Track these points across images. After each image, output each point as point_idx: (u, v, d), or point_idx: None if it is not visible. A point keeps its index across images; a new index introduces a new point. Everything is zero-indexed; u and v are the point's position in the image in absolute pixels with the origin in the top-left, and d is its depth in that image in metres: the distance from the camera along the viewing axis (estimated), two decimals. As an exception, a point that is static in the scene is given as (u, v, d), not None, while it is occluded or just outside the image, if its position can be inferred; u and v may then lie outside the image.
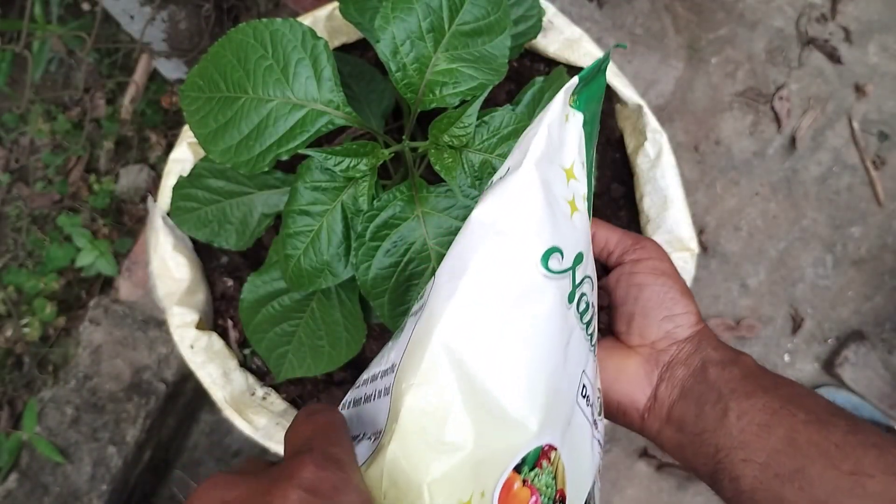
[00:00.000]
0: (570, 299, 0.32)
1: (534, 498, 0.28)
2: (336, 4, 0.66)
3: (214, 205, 0.59)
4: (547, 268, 0.30)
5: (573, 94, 0.34)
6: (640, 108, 0.66)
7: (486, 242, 0.30)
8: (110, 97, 1.15)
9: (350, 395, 0.35)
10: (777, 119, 1.21)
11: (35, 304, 1.01)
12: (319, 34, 0.48)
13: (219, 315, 0.67)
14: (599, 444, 0.36)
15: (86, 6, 1.14)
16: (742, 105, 1.21)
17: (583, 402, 0.33)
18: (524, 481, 0.28)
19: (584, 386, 0.33)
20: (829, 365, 1.12)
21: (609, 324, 0.44)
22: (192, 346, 0.61)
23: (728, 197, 1.18)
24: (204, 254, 0.67)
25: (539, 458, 0.28)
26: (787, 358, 1.14)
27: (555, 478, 0.29)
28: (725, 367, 0.37)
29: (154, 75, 1.13)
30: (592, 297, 0.35)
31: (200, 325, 0.62)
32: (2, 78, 1.01)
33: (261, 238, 0.60)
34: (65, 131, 1.11)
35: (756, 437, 0.34)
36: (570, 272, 0.32)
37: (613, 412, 0.41)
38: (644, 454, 1.10)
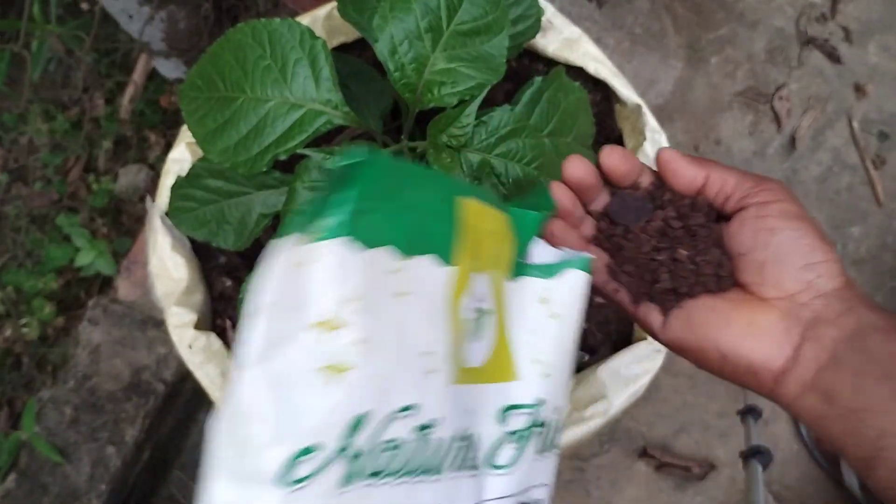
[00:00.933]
0: (348, 481, 0.27)
1: None
2: (335, 4, 0.66)
3: (213, 205, 0.59)
4: (288, 483, 0.26)
5: (306, 233, 0.28)
6: (639, 107, 0.66)
7: (219, 468, 0.26)
8: (109, 97, 1.15)
9: None
10: (777, 119, 1.21)
11: (34, 304, 1.01)
12: (318, 34, 0.48)
13: (217, 315, 0.67)
14: None
15: (85, 6, 1.14)
16: (742, 105, 1.21)
17: None
18: None
19: None
20: (828, 365, 1.12)
21: (732, 275, 0.37)
22: (190, 346, 0.61)
23: (728, 197, 1.18)
24: (202, 254, 0.67)
25: None
26: (786, 358, 1.14)
27: None
28: (890, 336, 0.32)
29: (153, 75, 1.13)
30: (429, 414, 0.30)
31: (199, 325, 0.62)
32: (1, 77, 1.01)
33: (259, 238, 0.60)
34: (63, 131, 1.11)
35: None
36: (339, 455, 0.27)
37: (742, 373, 0.35)
38: (643, 454, 1.10)
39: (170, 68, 1.08)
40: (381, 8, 0.46)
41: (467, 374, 0.34)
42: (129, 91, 1.11)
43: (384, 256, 0.30)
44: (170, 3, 0.95)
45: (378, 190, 0.30)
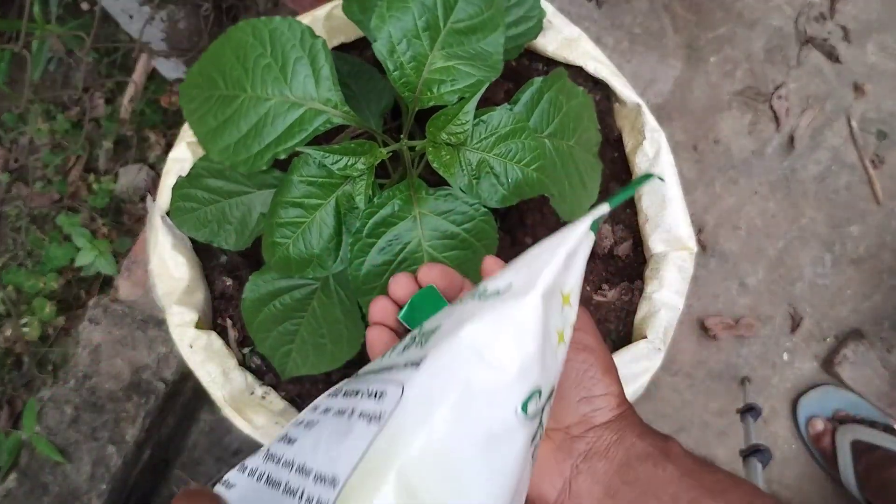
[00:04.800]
0: (533, 439, 0.29)
1: None
2: (335, 4, 0.66)
3: (214, 205, 0.59)
4: (525, 411, 0.28)
5: (593, 220, 0.32)
6: (638, 107, 0.66)
7: (471, 370, 0.27)
8: (109, 97, 1.15)
9: (258, 461, 0.31)
10: (776, 118, 1.21)
11: (34, 304, 1.02)
12: (318, 33, 0.48)
13: (218, 314, 0.68)
14: None
15: (85, 6, 1.15)
16: (741, 104, 1.21)
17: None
18: None
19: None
20: (827, 363, 1.12)
21: None
22: (191, 346, 0.61)
23: (727, 196, 1.18)
24: (203, 253, 0.67)
25: None
26: (785, 357, 1.14)
27: None
28: (658, 463, 0.33)
29: (153, 75, 1.13)
30: (543, 431, 0.32)
31: (199, 325, 0.63)
32: (1, 77, 1.01)
33: (260, 237, 0.60)
34: (64, 131, 1.11)
35: None
36: (541, 412, 0.29)
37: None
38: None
39: (170, 68, 1.08)
40: (378, 8, 0.47)
41: None
42: (130, 91, 1.12)
43: None
44: (170, 3, 0.95)
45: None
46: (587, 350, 0.36)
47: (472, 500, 0.26)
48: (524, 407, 0.27)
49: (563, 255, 0.30)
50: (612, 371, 0.36)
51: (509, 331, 0.28)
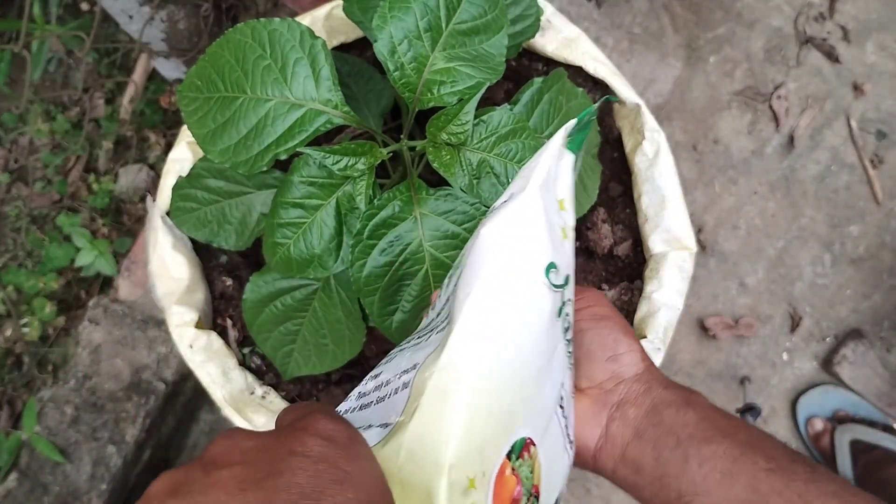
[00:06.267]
0: (559, 314, 0.34)
1: (518, 487, 0.30)
2: (334, 4, 0.66)
3: (214, 205, 0.59)
4: (549, 279, 0.33)
5: (568, 134, 0.37)
6: (638, 107, 0.66)
7: (496, 254, 0.32)
8: (109, 97, 1.15)
9: (347, 404, 0.37)
10: (775, 118, 1.21)
11: (34, 304, 1.02)
12: (318, 34, 0.48)
13: (218, 314, 0.68)
14: (569, 455, 0.38)
15: (84, 6, 1.15)
16: (740, 104, 1.21)
17: (559, 412, 0.35)
18: (512, 469, 0.30)
19: (561, 397, 0.36)
20: (827, 363, 1.12)
21: None
22: (191, 346, 0.61)
23: (726, 196, 1.18)
24: (203, 253, 0.67)
25: (522, 448, 0.31)
26: (785, 356, 1.14)
27: (532, 472, 0.31)
28: (680, 409, 0.38)
29: (153, 75, 1.13)
30: (572, 320, 0.38)
31: (199, 325, 0.63)
32: (1, 78, 1.01)
33: (260, 238, 0.60)
34: (64, 131, 1.11)
35: (719, 484, 0.34)
36: (563, 289, 0.34)
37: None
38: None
39: (170, 68, 1.08)
40: (380, 8, 0.47)
41: None
42: (130, 91, 1.12)
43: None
44: (169, 4, 0.95)
45: (587, 135, 0.39)
46: (605, 318, 0.42)
47: (508, 358, 0.31)
48: (547, 276, 0.33)
49: (547, 158, 0.35)
50: (630, 333, 0.42)
51: (517, 219, 0.33)
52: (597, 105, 0.40)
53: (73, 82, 1.14)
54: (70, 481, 0.91)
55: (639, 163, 0.66)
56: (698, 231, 1.17)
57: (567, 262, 0.36)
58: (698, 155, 1.20)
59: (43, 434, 0.92)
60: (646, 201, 0.65)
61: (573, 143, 0.38)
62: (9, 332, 1.02)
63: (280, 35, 0.47)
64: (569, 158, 0.37)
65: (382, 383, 0.35)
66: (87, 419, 0.93)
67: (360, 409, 0.35)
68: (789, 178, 1.20)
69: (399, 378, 0.33)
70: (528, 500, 0.31)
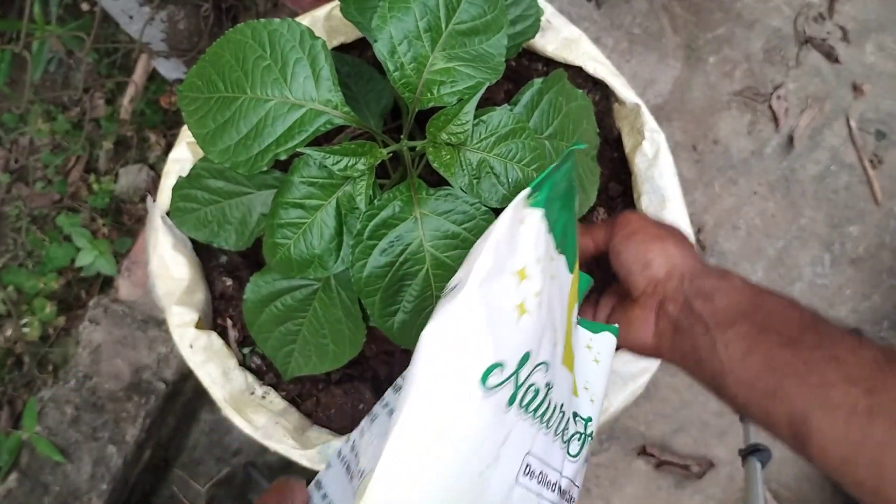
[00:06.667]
0: (511, 401, 0.34)
1: None
2: (334, 4, 0.66)
3: (214, 205, 0.59)
4: (485, 386, 0.32)
5: (529, 194, 0.37)
6: (637, 107, 0.66)
7: (429, 366, 0.32)
8: (109, 97, 1.15)
9: (329, 472, 0.38)
10: (775, 118, 1.21)
11: (35, 304, 1.02)
12: (318, 34, 0.48)
13: (218, 314, 0.68)
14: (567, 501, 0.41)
15: (85, 6, 1.15)
16: (740, 104, 1.22)
17: (525, 479, 0.36)
18: None
19: (527, 465, 0.37)
20: (827, 363, 1.12)
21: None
22: (191, 346, 0.61)
23: (726, 196, 1.19)
24: (203, 253, 0.67)
25: None
26: (785, 356, 1.14)
27: None
28: (707, 299, 0.42)
29: (153, 75, 1.13)
30: (551, 376, 0.38)
31: (200, 325, 0.63)
32: (1, 78, 1.01)
33: (260, 238, 0.60)
34: (64, 131, 1.12)
35: (741, 363, 0.39)
36: (513, 377, 0.34)
37: (639, 352, 0.48)
38: (642, 452, 1.10)
39: (170, 68, 1.08)
40: (380, 8, 0.47)
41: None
42: (130, 91, 1.12)
43: (551, 242, 0.39)
44: (170, 4, 0.95)
45: (560, 182, 0.39)
46: (633, 234, 0.46)
47: (436, 482, 0.31)
48: (483, 383, 0.32)
49: (493, 244, 0.34)
50: (658, 237, 0.46)
51: (454, 322, 0.32)
52: (564, 155, 0.39)
53: (74, 82, 1.15)
54: (70, 481, 0.91)
55: (638, 163, 0.66)
56: (698, 231, 1.17)
57: (523, 342, 0.35)
58: (698, 155, 1.20)
59: (43, 434, 0.92)
60: (645, 201, 0.65)
61: (538, 200, 0.37)
62: (9, 332, 1.02)
63: (280, 35, 0.47)
64: (534, 218, 0.37)
65: (355, 454, 0.37)
66: (87, 419, 0.93)
67: (346, 470, 0.36)
68: (789, 178, 1.20)
69: (358, 462, 0.35)
70: None
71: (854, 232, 1.18)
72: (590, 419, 0.45)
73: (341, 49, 0.69)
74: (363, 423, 0.39)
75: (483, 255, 0.34)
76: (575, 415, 0.43)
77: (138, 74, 1.12)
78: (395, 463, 0.31)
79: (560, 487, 0.40)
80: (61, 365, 0.99)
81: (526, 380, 0.35)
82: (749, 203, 1.19)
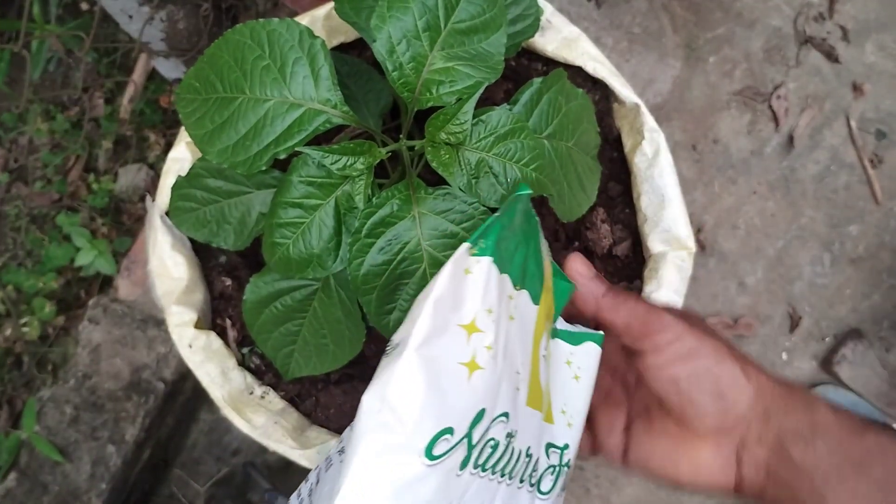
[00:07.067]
0: (465, 465, 0.32)
1: None
2: (334, 4, 0.66)
3: (213, 205, 0.59)
4: (430, 457, 0.30)
5: (473, 245, 0.34)
6: (637, 107, 0.66)
7: (371, 434, 0.30)
8: (109, 97, 1.15)
9: None
10: (775, 118, 1.21)
11: (34, 304, 1.02)
12: (317, 33, 0.48)
13: (217, 314, 0.68)
14: None
15: (84, 6, 1.15)
16: (740, 104, 1.22)
17: None
18: None
19: None
20: (826, 363, 1.12)
21: (651, 409, 0.41)
22: (190, 345, 0.61)
23: (726, 195, 1.19)
24: (202, 253, 0.67)
25: None
26: (784, 356, 1.14)
27: None
28: (808, 443, 0.35)
29: (153, 75, 1.13)
30: (512, 425, 0.35)
31: (199, 325, 0.63)
32: (1, 77, 1.01)
33: (259, 237, 0.60)
34: (63, 131, 1.12)
35: None
36: (465, 440, 0.31)
37: (712, 492, 0.39)
38: (642, 452, 1.10)
39: (169, 68, 1.08)
40: (378, 7, 0.46)
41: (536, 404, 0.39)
42: (129, 91, 1.12)
43: (507, 282, 0.35)
44: (169, 3, 0.95)
45: (510, 224, 0.36)
46: (691, 357, 0.37)
47: None
48: (428, 454, 0.30)
49: (432, 302, 0.31)
50: (723, 355, 0.37)
51: (392, 390, 0.30)
52: (512, 200, 0.36)
53: (73, 82, 1.15)
54: (70, 481, 0.91)
55: (638, 162, 0.66)
56: (698, 231, 1.17)
57: (475, 401, 0.32)
58: (698, 155, 1.20)
59: (42, 433, 0.92)
60: (645, 201, 0.65)
61: (484, 248, 0.34)
62: (9, 332, 1.02)
63: (279, 35, 0.47)
64: (481, 266, 0.33)
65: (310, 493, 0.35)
66: (86, 419, 0.93)
67: None
68: (789, 177, 1.20)
69: None
70: None
71: (854, 231, 1.18)
72: (566, 446, 0.40)
73: (341, 48, 0.69)
74: (320, 466, 0.36)
75: (422, 317, 0.31)
76: (549, 446, 0.40)
77: (138, 74, 1.12)
78: None
79: None
80: (61, 364, 0.99)
81: (481, 439, 0.32)
82: (749, 202, 1.18)
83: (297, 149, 0.47)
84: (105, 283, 1.06)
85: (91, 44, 0.89)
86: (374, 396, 0.30)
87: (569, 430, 0.41)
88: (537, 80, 0.56)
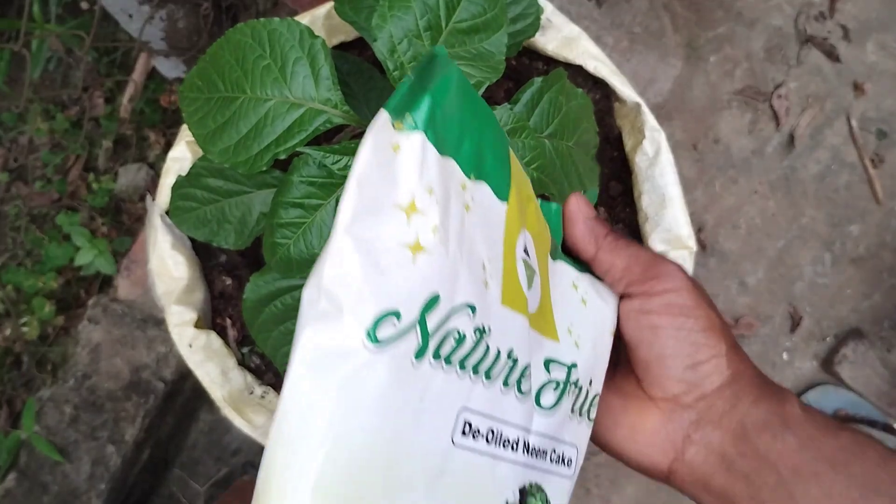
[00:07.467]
0: (420, 354, 0.29)
1: None
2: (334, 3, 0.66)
3: (213, 204, 0.59)
4: (374, 339, 0.27)
5: (397, 119, 0.31)
6: (638, 106, 0.66)
7: (309, 327, 0.27)
8: (109, 96, 1.15)
9: None
10: (776, 117, 1.21)
11: (34, 303, 1.02)
12: (318, 33, 0.48)
13: (217, 314, 0.68)
14: (535, 454, 0.35)
15: (84, 5, 1.14)
16: (741, 103, 1.21)
17: (466, 440, 0.32)
18: None
19: (465, 423, 0.32)
20: (827, 363, 1.12)
21: (619, 361, 0.38)
22: (190, 345, 0.61)
23: (726, 195, 1.18)
24: (202, 252, 0.67)
25: None
26: (785, 356, 1.14)
27: None
28: (776, 433, 0.32)
29: (153, 74, 1.13)
30: (483, 320, 0.32)
31: (199, 324, 0.63)
32: (0, 77, 1.01)
33: (259, 237, 0.60)
34: (63, 130, 1.11)
35: None
36: (415, 327, 0.29)
37: (635, 468, 0.37)
38: (643, 452, 1.10)
39: (169, 67, 1.08)
40: (379, 7, 0.46)
41: (531, 318, 0.36)
42: (129, 90, 1.12)
43: (454, 167, 0.32)
44: (169, 3, 0.95)
45: (445, 103, 0.32)
46: (683, 313, 0.34)
47: (334, 465, 0.26)
48: (372, 338, 0.27)
49: (355, 181, 0.29)
50: (715, 329, 0.34)
51: (326, 275, 0.28)
52: (436, 59, 0.33)
53: (73, 81, 1.14)
54: (69, 481, 0.91)
55: (639, 162, 0.66)
56: (698, 230, 1.17)
57: (423, 284, 0.30)
58: (699, 154, 1.20)
59: (42, 433, 0.92)
60: (646, 200, 0.65)
61: (414, 123, 0.31)
62: (8, 332, 1.02)
63: (279, 35, 0.47)
64: (412, 143, 0.30)
65: None
66: (86, 419, 0.93)
67: None
68: (790, 177, 1.20)
69: None
70: None
71: (855, 231, 1.18)
72: (574, 365, 0.37)
73: (341, 47, 0.68)
74: None
75: (347, 196, 0.28)
76: (550, 361, 0.36)
77: (138, 73, 1.12)
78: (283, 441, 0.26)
79: (528, 445, 0.35)
80: (60, 364, 0.99)
81: (440, 327, 0.30)
82: (749, 202, 1.18)
83: (297, 149, 0.47)
84: (105, 283, 1.06)
85: (91, 43, 0.89)
86: (311, 287, 0.28)
87: (577, 350, 0.38)
88: (538, 80, 0.56)
